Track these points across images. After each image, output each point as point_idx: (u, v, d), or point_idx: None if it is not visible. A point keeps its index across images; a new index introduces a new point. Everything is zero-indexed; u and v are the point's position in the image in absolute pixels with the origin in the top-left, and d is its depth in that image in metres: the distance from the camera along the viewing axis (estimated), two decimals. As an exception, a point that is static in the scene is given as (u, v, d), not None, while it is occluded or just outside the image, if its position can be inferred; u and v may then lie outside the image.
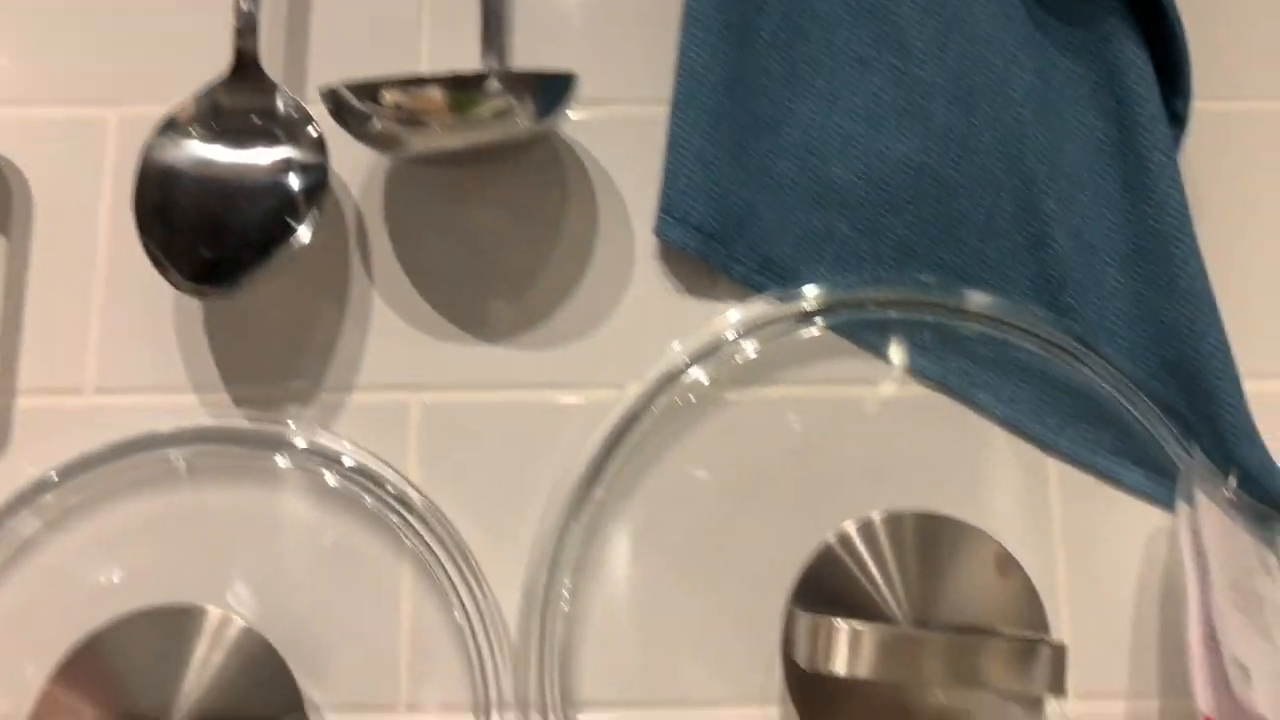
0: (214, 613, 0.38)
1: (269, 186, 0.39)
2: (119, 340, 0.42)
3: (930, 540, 0.39)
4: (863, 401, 0.42)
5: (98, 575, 0.39)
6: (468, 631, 0.39)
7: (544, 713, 0.39)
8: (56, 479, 0.39)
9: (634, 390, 0.41)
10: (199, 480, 0.40)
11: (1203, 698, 0.34)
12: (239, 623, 0.38)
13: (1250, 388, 0.41)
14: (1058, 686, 0.35)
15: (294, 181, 0.39)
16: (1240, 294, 0.43)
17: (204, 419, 0.41)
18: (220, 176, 0.38)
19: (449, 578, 0.40)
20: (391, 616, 0.40)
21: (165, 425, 0.40)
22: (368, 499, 0.40)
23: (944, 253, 0.42)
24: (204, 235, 0.37)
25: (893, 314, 0.42)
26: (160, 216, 0.37)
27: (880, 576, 0.38)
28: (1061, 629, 0.41)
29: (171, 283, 0.36)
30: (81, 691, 0.37)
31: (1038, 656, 0.35)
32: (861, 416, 0.42)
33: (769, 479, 0.42)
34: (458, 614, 0.39)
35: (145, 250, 0.36)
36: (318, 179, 0.39)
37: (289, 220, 0.38)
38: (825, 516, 0.40)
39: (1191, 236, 0.41)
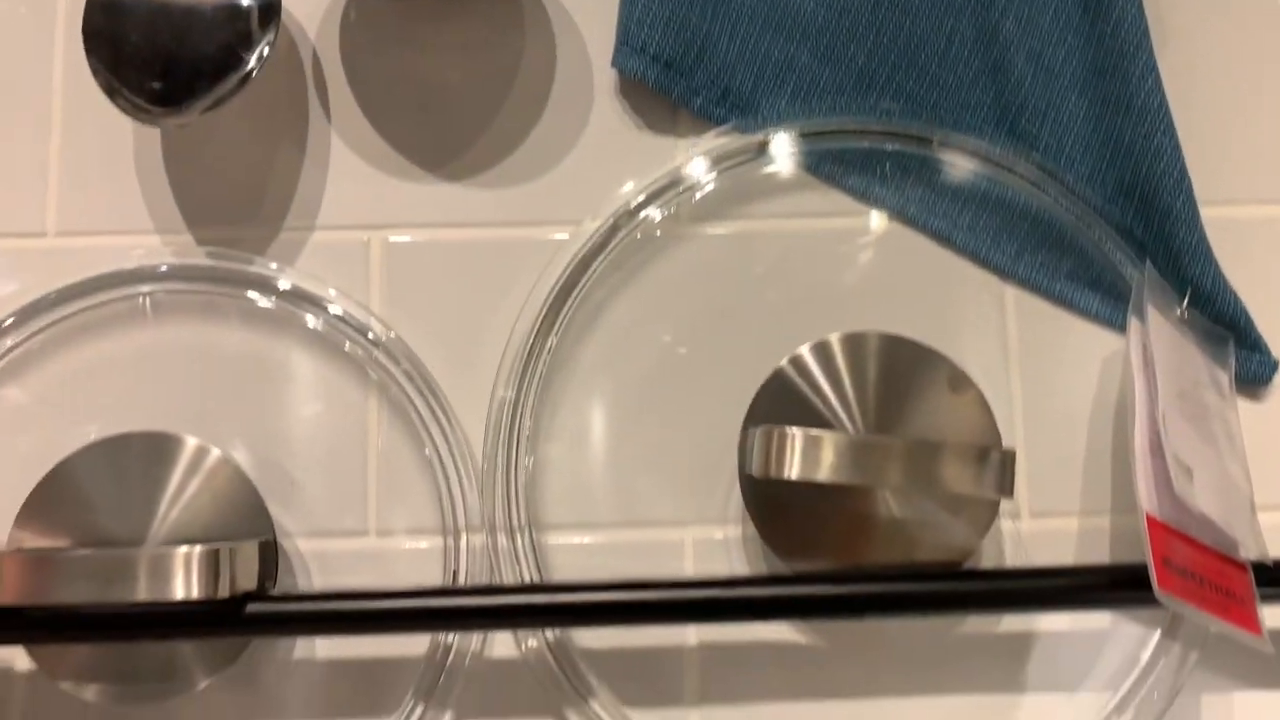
0: (190, 441, 0.39)
1: (221, 16, 0.38)
2: (79, 183, 0.42)
3: (887, 361, 0.39)
4: (822, 233, 0.43)
5: (67, 413, 0.40)
6: (435, 460, 0.40)
7: (510, 535, 0.40)
8: (21, 319, 0.40)
9: (591, 226, 0.42)
10: (164, 318, 0.41)
11: (1145, 497, 0.35)
12: (215, 452, 0.39)
13: (1207, 214, 0.42)
14: (1006, 489, 0.36)
15: (246, 11, 0.38)
16: (1200, 121, 0.43)
17: (168, 258, 0.41)
18: (170, 6, 0.38)
19: (415, 407, 0.40)
20: (359, 446, 0.41)
21: (129, 263, 0.40)
22: (333, 333, 0.41)
23: (903, 80, 0.42)
24: (155, 66, 0.37)
25: (852, 144, 0.42)
26: (110, 45, 0.36)
27: (835, 397, 0.39)
28: (1018, 453, 0.42)
29: (120, 108, 0.36)
30: (55, 518, 0.38)
31: (989, 461, 0.36)
32: (820, 248, 0.43)
33: (728, 311, 0.42)
34: (425, 444, 0.40)
35: (95, 76, 0.36)
36: (269, 7, 0.39)
37: (240, 51, 0.38)
38: (784, 346, 0.40)
39: (1149, 54, 0.40)
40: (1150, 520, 0.34)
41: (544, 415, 0.41)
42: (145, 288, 0.40)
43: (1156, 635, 0.40)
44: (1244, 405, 0.42)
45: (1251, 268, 0.42)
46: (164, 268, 0.41)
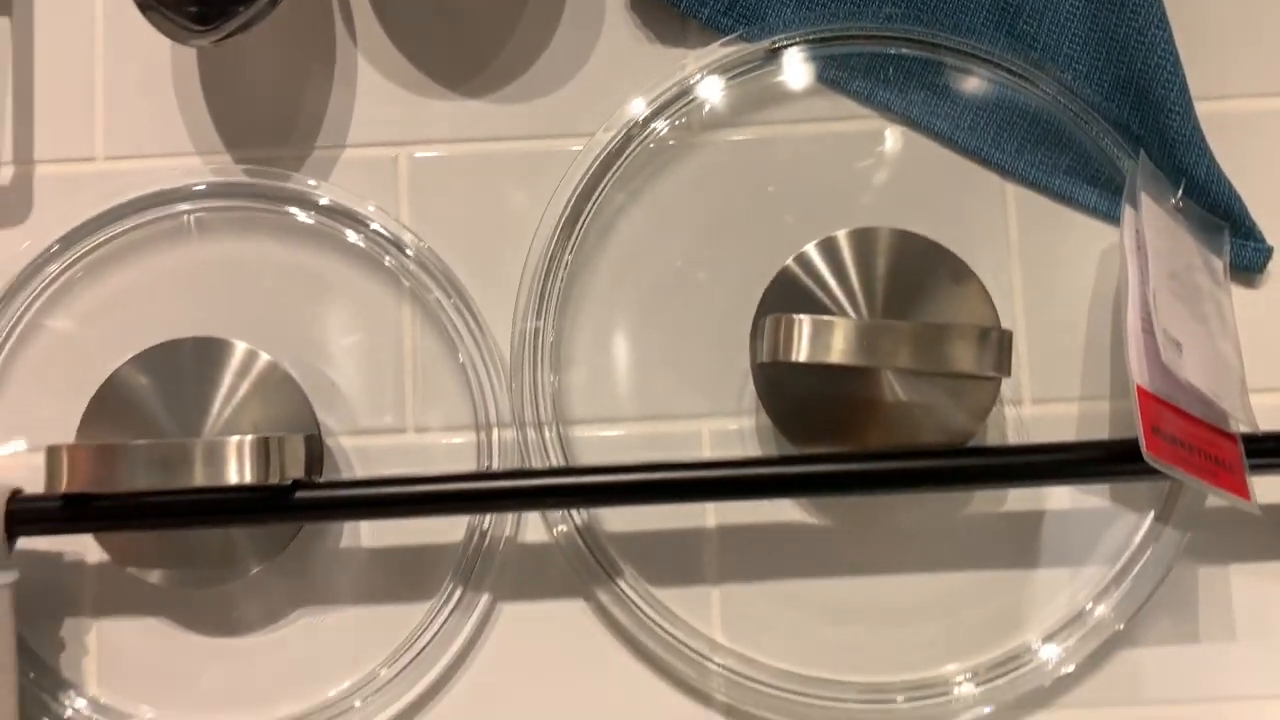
0: (239, 346, 0.42)
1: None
2: (124, 110, 0.44)
3: (893, 255, 0.41)
4: (828, 137, 0.44)
5: (121, 327, 0.43)
6: (468, 363, 0.43)
7: (539, 429, 0.43)
8: (71, 239, 0.43)
9: (605, 137, 0.44)
10: (208, 234, 0.44)
11: (1136, 370, 0.37)
12: (264, 356, 0.42)
13: (1201, 108, 0.43)
14: (1004, 368, 0.38)
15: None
16: (1194, 16, 0.44)
17: (209, 177, 0.44)
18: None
19: (446, 313, 0.43)
20: (396, 351, 0.43)
21: (172, 183, 0.43)
22: (367, 244, 0.43)
23: (905, -16, 0.44)
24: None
25: (856, 50, 0.44)
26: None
27: (841, 290, 0.41)
28: (1018, 341, 0.44)
29: (154, 23, 0.38)
30: (115, 420, 0.41)
31: (988, 340, 0.38)
32: (827, 152, 0.44)
33: (739, 215, 0.44)
34: (459, 350, 0.43)
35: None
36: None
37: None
38: (794, 247, 0.42)
39: (1143, -51, 0.42)
40: (1140, 391, 0.36)
41: (567, 316, 0.43)
42: (189, 206, 0.43)
43: (1150, 516, 0.42)
44: (1240, 292, 0.44)
45: (1246, 160, 0.44)
46: (204, 186, 0.43)
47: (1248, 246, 0.43)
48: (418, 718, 0.42)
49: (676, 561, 0.43)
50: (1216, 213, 0.43)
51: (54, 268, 0.43)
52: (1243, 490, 0.37)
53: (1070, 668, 0.41)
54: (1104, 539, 0.43)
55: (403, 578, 0.43)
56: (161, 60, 0.44)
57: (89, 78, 0.44)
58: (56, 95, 0.44)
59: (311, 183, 0.43)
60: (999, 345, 0.38)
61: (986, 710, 0.41)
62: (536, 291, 0.43)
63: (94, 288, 0.43)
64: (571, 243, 0.44)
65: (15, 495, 0.39)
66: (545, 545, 0.43)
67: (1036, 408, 0.43)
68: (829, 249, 0.41)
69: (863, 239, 0.41)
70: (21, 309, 0.43)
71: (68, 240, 0.43)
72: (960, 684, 0.41)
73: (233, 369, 0.41)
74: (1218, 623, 0.42)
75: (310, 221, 0.43)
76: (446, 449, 0.43)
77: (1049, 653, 0.41)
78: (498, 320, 0.43)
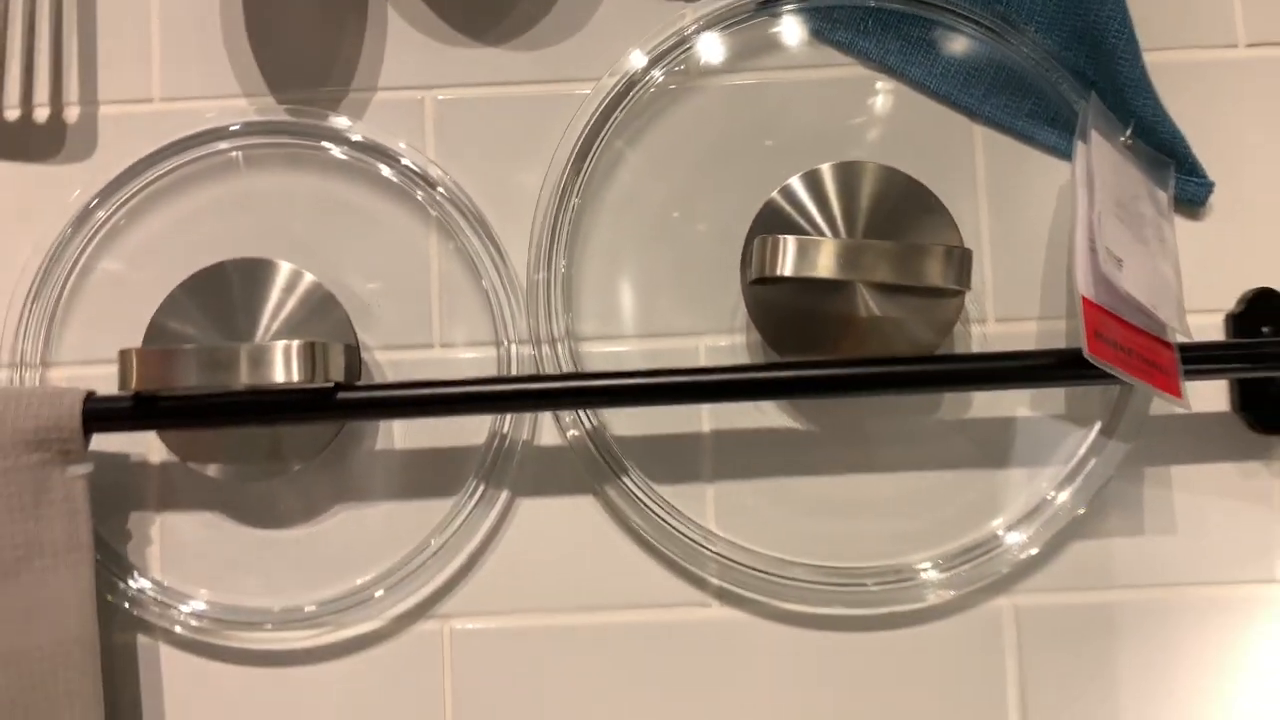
0: (285, 265, 0.46)
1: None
2: (178, 57, 0.49)
3: (869, 186, 0.46)
4: (813, 82, 0.49)
5: (180, 248, 0.48)
6: (489, 286, 0.48)
7: (552, 345, 0.47)
8: (136, 171, 0.48)
9: (610, 82, 0.48)
10: (254, 168, 0.48)
11: (1082, 284, 0.42)
12: (308, 276, 0.47)
13: (1152, 59, 0.48)
14: (965, 281, 0.43)
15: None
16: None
17: (254, 116, 0.48)
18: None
19: (468, 240, 0.48)
20: (424, 275, 0.48)
21: (221, 122, 0.48)
22: (398, 178, 0.48)
23: (883, -56, 0.48)
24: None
25: (839, 3, 0.48)
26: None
27: (822, 216, 0.46)
28: (984, 267, 0.48)
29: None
30: (174, 334, 0.46)
31: (953, 258, 0.43)
32: (811, 96, 0.49)
33: (731, 152, 0.49)
34: (480, 271, 0.48)
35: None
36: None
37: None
38: (779, 180, 0.47)
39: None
40: (1085, 301, 0.41)
41: (576, 244, 0.48)
42: (237, 142, 0.48)
43: (1099, 424, 0.47)
44: (1185, 224, 0.48)
45: (1190, 104, 0.48)
46: (248, 125, 0.48)
47: (1191, 181, 0.48)
48: (446, 599, 0.47)
49: (675, 461, 0.48)
50: (1162, 151, 0.48)
51: (119, 195, 0.48)
52: (1176, 390, 0.42)
53: (1030, 552, 0.46)
54: (1058, 443, 0.48)
55: (431, 476, 0.48)
56: (211, 10, 0.49)
57: (146, 26, 0.49)
58: (117, 41, 0.49)
59: (347, 121, 0.48)
60: (961, 262, 0.43)
61: (950, 594, 0.46)
62: (549, 222, 0.48)
63: (153, 216, 0.48)
64: (580, 177, 0.48)
65: (90, 396, 0.44)
66: (558, 447, 0.48)
67: (999, 326, 0.48)
68: (811, 180, 0.46)
69: (842, 172, 0.46)
70: (92, 232, 0.48)
71: (130, 173, 0.47)
72: (925, 570, 0.46)
73: (279, 286, 0.46)
74: (1160, 518, 0.47)
75: (346, 156, 0.48)
76: (470, 363, 0.48)
77: (1012, 539, 0.46)
78: (515, 247, 0.48)
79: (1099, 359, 0.40)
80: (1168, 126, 0.47)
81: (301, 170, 0.48)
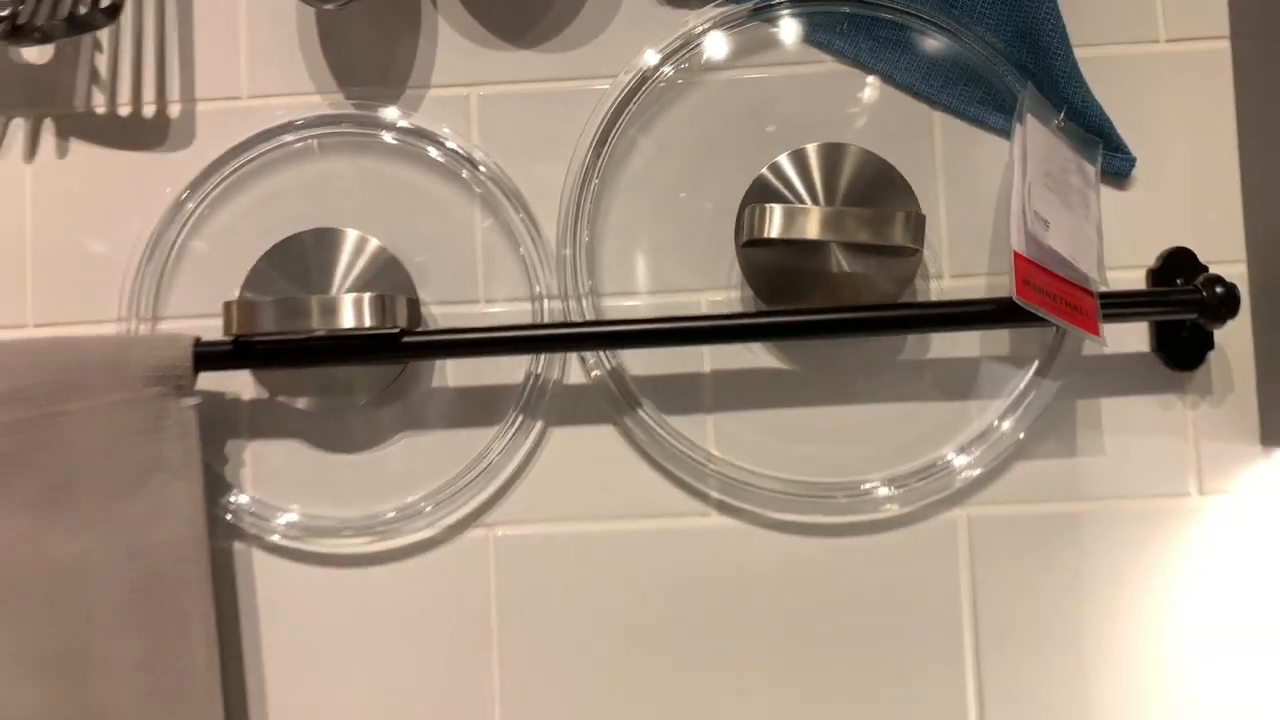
0: (352, 233, 0.56)
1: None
2: (262, 60, 0.58)
3: (842, 164, 0.55)
4: (797, 77, 0.58)
5: (267, 221, 0.57)
6: (525, 252, 0.57)
7: (578, 300, 0.56)
8: (230, 158, 0.57)
9: (625, 78, 0.57)
10: (328, 154, 0.58)
11: (1015, 240, 0.50)
12: (373, 241, 0.56)
13: (1082, 54, 0.56)
14: (919, 240, 0.52)
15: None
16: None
17: (327, 110, 0.57)
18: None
19: (507, 213, 0.57)
20: (469, 242, 0.57)
21: (296, 116, 0.57)
22: (447, 160, 0.57)
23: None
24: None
25: (818, 9, 0.57)
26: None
27: (805, 190, 0.55)
28: (941, 231, 0.57)
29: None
30: (269, 286, 0.55)
31: (910, 222, 0.52)
32: (797, 88, 0.58)
33: (729, 138, 0.58)
34: (518, 239, 0.56)
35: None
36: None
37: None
38: (768, 160, 0.56)
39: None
40: (1016, 255, 0.50)
41: (598, 218, 0.57)
42: (314, 132, 0.57)
43: (1037, 362, 0.56)
44: (1112, 194, 0.57)
45: (1117, 92, 0.57)
46: (324, 116, 0.57)
47: (1116, 157, 0.56)
48: (491, 511, 0.56)
49: (682, 396, 0.57)
50: (1091, 132, 0.56)
51: (216, 178, 0.57)
52: (1095, 330, 0.51)
53: (977, 472, 0.55)
54: (1003, 380, 0.56)
55: (477, 410, 0.57)
56: (289, 19, 0.58)
57: (234, 36, 0.58)
58: (209, 44, 0.59)
59: (404, 113, 0.57)
60: (916, 225, 0.52)
61: (912, 506, 0.55)
62: (574, 199, 0.57)
63: (244, 195, 0.58)
64: (600, 161, 0.57)
65: (198, 341, 0.53)
66: (583, 385, 0.57)
67: (953, 281, 0.57)
68: (795, 158, 0.55)
69: (821, 151, 0.55)
70: (190, 211, 0.57)
71: (225, 158, 0.57)
72: (890, 486, 0.55)
73: (348, 250, 0.56)
74: (1090, 442, 0.56)
75: (404, 143, 0.57)
76: (508, 315, 0.57)
77: (961, 460, 0.55)
78: (546, 220, 0.57)
79: (1026, 302, 0.49)
80: (1096, 111, 0.56)
81: (367, 155, 0.58)
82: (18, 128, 0.58)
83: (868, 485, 0.56)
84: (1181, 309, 0.53)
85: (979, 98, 0.57)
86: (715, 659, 0.56)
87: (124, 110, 0.59)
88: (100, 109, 0.59)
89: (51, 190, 0.58)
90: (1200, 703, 0.55)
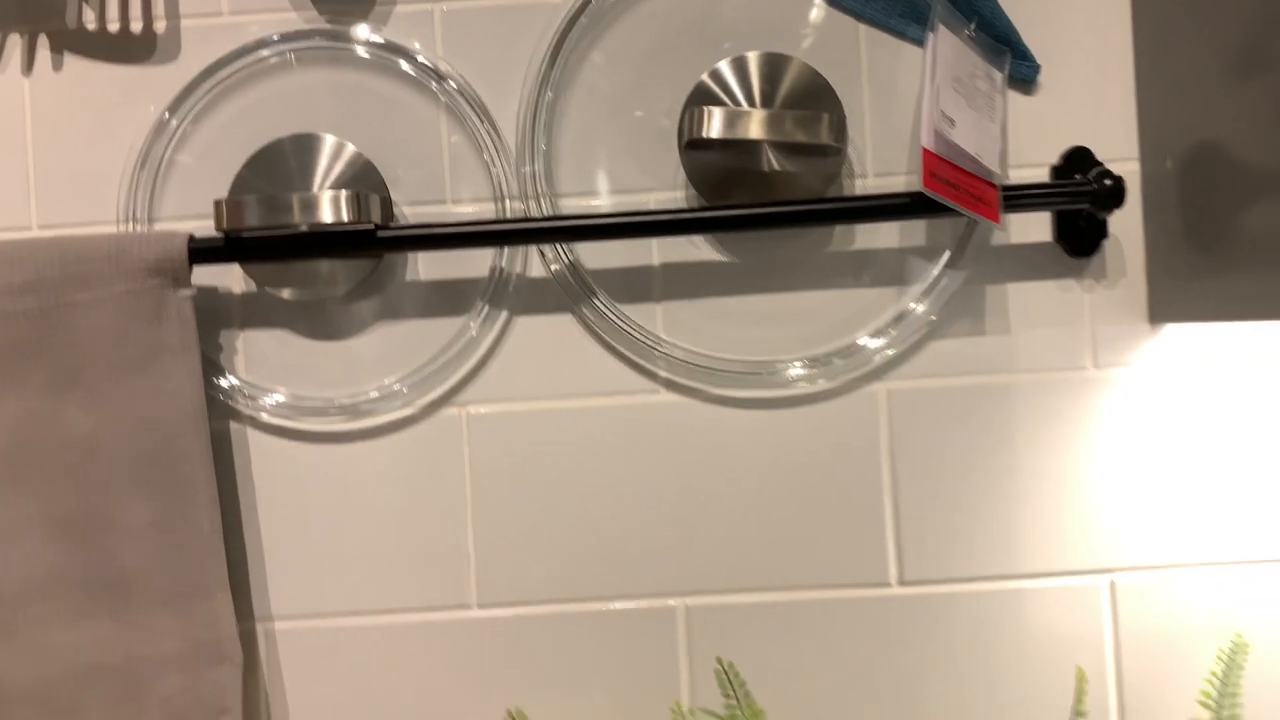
0: (330, 138, 0.61)
1: None
2: (239, -20, 0.63)
3: (785, 74, 0.60)
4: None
5: (251, 128, 0.62)
6: (488, 157, 0.62)
7: (538, 200, 0.62)
8: (214, 69, 0.61)
9: (581, -6, 0.62)
10: (304, 66, 0.62)
11: (924, 138, 0.56)
12: (350, 146, 0.61)
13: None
14: (842, 140, 0.58)
15: None
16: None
17: (303, 25, 0.62)
18: None
19: (471, 120, 0.62)
20: (437, 147, 0.63)
21: (277, 29, 0.62)
22: (416, 72, 0.62)
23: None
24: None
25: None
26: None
27: (743, 95, 0.60)
28: (865, 133, 0.63)
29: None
30: (255, 185, 0.60)
31: (834, 121, 0.58)
32: (739, 4, 0.63)
33: (670, 48, 0.63)
34: (481, 145, 0.62)
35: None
36: None
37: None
38: (709, 68, 0.61)
39: None
40: (925, 151, 0.56)
41: (554, 124, 0.63)
42: (291, 46, 0.62)
43: (948, 253, 0.62)
44: (1019, 99, 0.63)
45: (1024, 4, 0.62)
46: (299, 31, 0.62)
47: (1023, 65, 0.62)
48: (463, 391, 0.62)
49: (633, 287, 0.63)
50: (999, 41, 0.62)
51: (202, 89, 0.62)
52: (995, 218, 0.57)
53: (896, 350, 0.62)
54: (919, 268, 0.63)
55: (448, 299, 0.63)
56: (264, -57, 0.63)
57: (214, -44, 0.63)
58: (192, -31, 0.63)
59: (374, 28, 0.62)
60: (839, 125, 0.58)
61: (839, 380, 0.62)
62: (533, 103, 0.62)
63: (228, 105, 0.63)
64: (555, 68, 0.62)
65: (191, 237, 0.58)
66: (544, 278, 0.63)
67: (876, 180, 0.63)
68: (736, 65, 0.61)
69: (757, 60, 0.61)
70: (180, 119, 0.62)
71: (209, 70, 0.62)
72: (794, 366, 0.62)
73: (327, 153, 0.61)
74: (998, 322, 0.63)
75: (376, 57, 0.62)
76: (474, 215, 0.63)
77: (877, 343, 0.62)
78: (507, 126, 0.62)
79: (933, 193, 0.55)
80: (1003, 21, 0.62)
81: (341, 67, 0.63)
82: (15, 44, 0.63)
83: (798, 363, 0.62)
84: (1074, 199, 0.60)
85: (899, 11, 0.63)
86: (664, 517, 0.63)
87: (113, 26, 0.63)
88: (91, 25, 0.63)
89: (49, 102, 0.63)
90: (1090, 544, 0.63)
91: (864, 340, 0.63)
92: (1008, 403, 0.63)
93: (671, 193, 0.63)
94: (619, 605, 0.63)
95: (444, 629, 0.63)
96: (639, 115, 0.63)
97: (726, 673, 0.62)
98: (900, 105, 0.63)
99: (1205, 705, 0.61)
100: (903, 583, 0.63)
